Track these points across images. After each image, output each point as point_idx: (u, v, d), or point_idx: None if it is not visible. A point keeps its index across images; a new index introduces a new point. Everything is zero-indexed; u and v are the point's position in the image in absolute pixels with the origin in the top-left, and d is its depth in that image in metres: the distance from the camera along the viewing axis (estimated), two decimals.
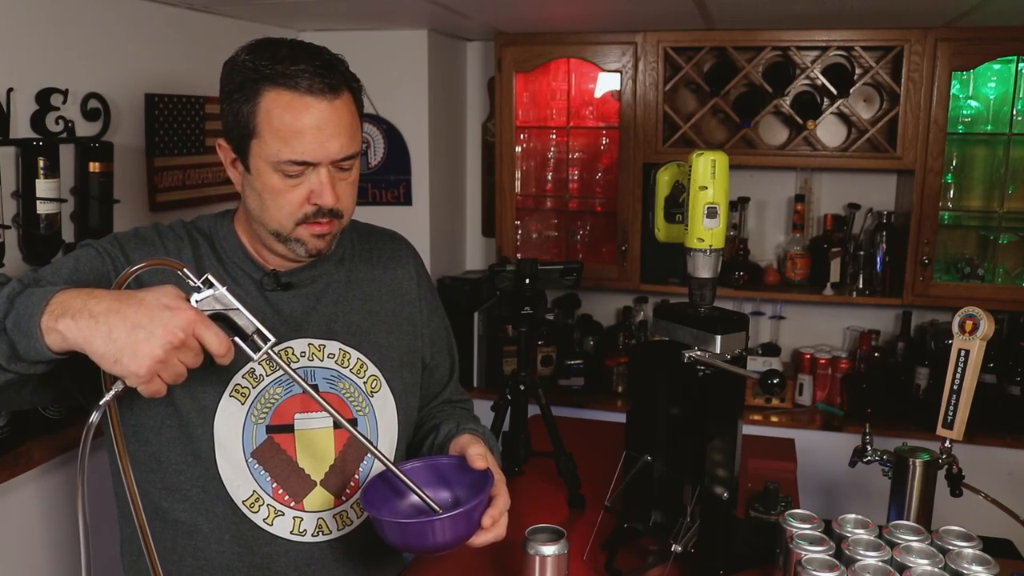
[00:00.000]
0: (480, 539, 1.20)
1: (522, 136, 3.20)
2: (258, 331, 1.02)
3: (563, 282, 2.04)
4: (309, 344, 1.32)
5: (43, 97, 1.91)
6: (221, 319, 1.00)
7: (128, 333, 0.94)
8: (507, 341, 3.16)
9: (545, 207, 3.29)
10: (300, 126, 1.17)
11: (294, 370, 1.09)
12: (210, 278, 1.00)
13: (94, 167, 1.99)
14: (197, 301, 0.98)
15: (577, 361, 3.15)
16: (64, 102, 1.96)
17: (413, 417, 1.46)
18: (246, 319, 1.01)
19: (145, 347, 0.94)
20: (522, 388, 1.98)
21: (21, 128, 1.87)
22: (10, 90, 1.83)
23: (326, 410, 1.10)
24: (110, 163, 2.02)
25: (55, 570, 2.00)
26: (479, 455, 1.24)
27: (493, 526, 1.20)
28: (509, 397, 1.98)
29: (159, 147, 2.28)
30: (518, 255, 3.14)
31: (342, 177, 1.25)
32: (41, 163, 1.84)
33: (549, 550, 1.37)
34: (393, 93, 3.03)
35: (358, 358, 1.35)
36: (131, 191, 2.20)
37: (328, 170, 1.21)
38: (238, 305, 1.01)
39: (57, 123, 1.93)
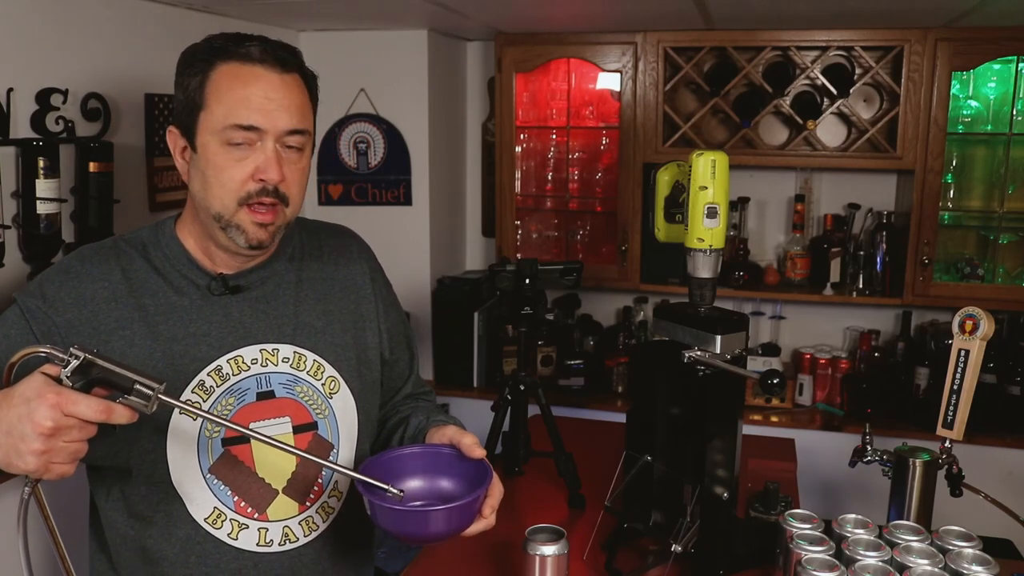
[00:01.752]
0: (473, 529, 1.20)
1: (522, 136, 3.20)
2: (137, 383, 0.99)
3: (563, 282, 2.04)
4: (261, 350, 1.28)
5: (43, 97, 1.91)
6: (102, 383, 0.99)
7: (6, 436, 0.96)
8: (507, 341, 3.16)
9: (545, 207, 3.29)
10: (247, 92, 1.16)
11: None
12: (74, 349, 0.98)
13: (94, 167, 1.99)
14: (68, 376, 0.97)
15: (577, 361, 3.15)
16: (64, 102, 1.96)
17: (375, 415, 1.43)
18: (121, 376, 0.99)
19: (23, 446, 0.95)
20: (522, 388, 1.98)
21: (21, 128, 1.87)
22: (10, 90, 1.83)
23: (254, 437, 1.09)
24: (110, 163, 2.02)
25: (55, 570, 2.00)
26: (476, 444, 1.23)
27: (490, 515, 1.21)
28: (509, 397, 1.98)
29: (159, 147, 2.28)
30: (518, 255, 3.14)
31: (291, 159, 1.21)
32: (41, 163, 1.84)
33: (549, 550, 1.37)
34: (393, 93, 3.03)
35: (314, 360, 1.32)
36: (131, 191, 2.20)
37: (275, 146, 1.18)
38: (108, 365, 0.99)
39: (57, 123, 1.93)
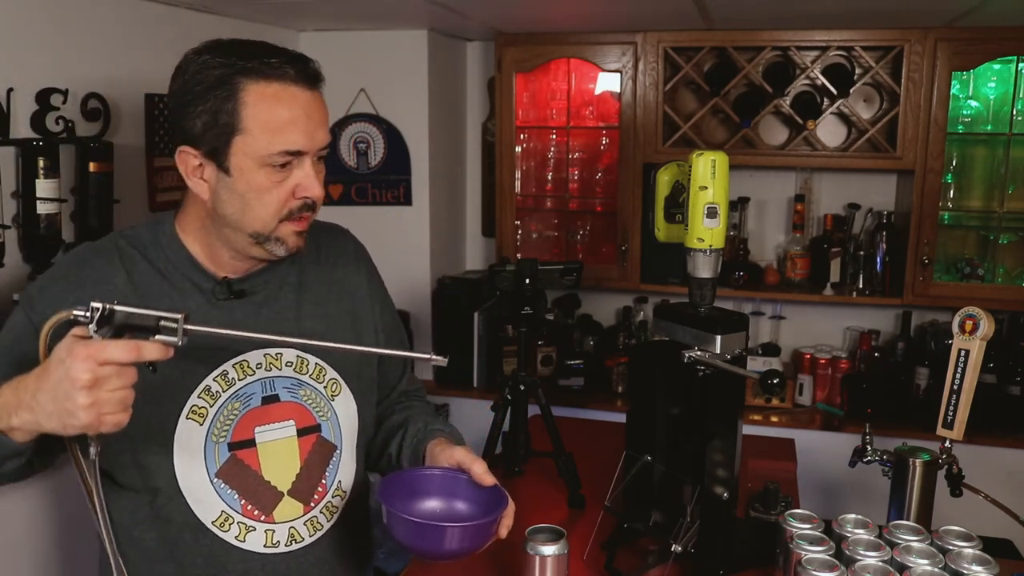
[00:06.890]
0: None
1: (522, 136, 3.20)
2: (161, 319, 1.02)
3: (563, 282, 2.04)
4: (265, 355, 1.29)
5: (43, 97, 1.91)
6: (129, 329, 1.01)
7: (53, 401, 0.99)
8: (507, 341, 3.16)
9: (545, 207, 3.29)
10: (291, 116, 1.15)
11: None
12: (93, 303, 1.00)
13: (94, 167, 1.99)
14: (95, 331, 1.00)
15: (577, 361, 3.15)
16: (64, 102, 1.95)
17: (373, 413, 1.45)
18: (143, 316, 1.02)
19: (70, 404, 0.98)
20: (522, 388, 1.98)
21: (21, 128, 1.87)
22: (10, 90, 1.83)
23: (292, 345, 1.19)
24: (110, 163, 2.02)
25: (52, 571, 2.00)
26: (485, 472, 1.26)
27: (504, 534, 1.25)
28: (509, 397, 1.98)
29: (159, 147, 2.28)
30: (518, 255, 3.14)
31: (320, 169, 1.23)
32: (41, 163, 1.84)
33: (549, 550, 1.37)
34: (393, 93, 3.03)
35: (316, 363, 1.33)
36: (131, 191, 2.19)
37: (312, 161, 1.20)
38: (128, 309, 1.01)
39: (57, 123, 1.93)
